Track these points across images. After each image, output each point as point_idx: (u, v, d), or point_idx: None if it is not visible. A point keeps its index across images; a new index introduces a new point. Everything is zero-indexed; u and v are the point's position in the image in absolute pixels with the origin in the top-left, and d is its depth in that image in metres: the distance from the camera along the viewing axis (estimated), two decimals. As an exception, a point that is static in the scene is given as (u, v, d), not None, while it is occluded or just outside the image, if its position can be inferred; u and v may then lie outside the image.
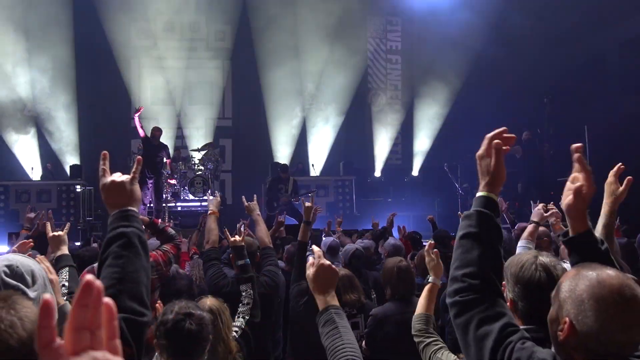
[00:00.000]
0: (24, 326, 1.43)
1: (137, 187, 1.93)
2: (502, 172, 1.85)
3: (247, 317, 3.67)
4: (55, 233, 3.76)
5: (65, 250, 3.62)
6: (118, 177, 1.91)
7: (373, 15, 17.45)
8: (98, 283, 0.82)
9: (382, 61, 18.13)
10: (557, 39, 15.22)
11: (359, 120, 17.70)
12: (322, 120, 17.15)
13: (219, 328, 3.01)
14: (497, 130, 1.87)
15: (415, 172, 17.49)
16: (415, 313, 3.05)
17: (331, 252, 6.46)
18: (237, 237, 4.33)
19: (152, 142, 12.55)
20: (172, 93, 16.83)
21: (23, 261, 2.12)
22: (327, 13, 16.09)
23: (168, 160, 13.31)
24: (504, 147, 1.85)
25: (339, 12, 16.13)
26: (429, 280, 3.12)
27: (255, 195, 5.30)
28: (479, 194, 1.87)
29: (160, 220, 5.48)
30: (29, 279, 2.06)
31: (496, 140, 1.85)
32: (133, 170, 1.95)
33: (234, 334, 3.38)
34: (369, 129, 17.72)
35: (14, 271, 2.12)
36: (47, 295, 0.81)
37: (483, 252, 1.75)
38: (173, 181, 13.77)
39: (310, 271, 2.23)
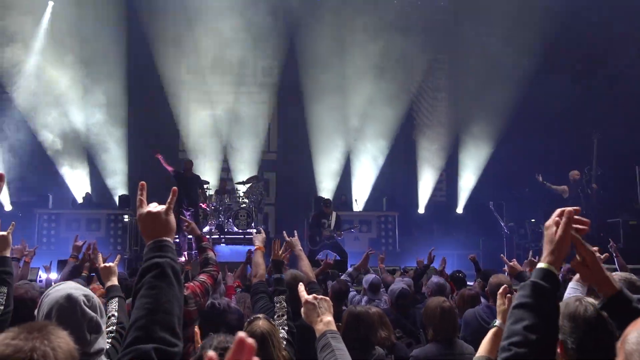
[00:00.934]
0: (56, 356, 1.46)
1: (172, 218, 1.95)
2: (566, 244, 1.82)
3: (286, 328, 3.66)
4: (107, 264, 3.83)
5: (115, 281, 3.69)
6: (154, 207, 1.94)
7: (419, 52, 17.51)
8: (250, 341, 0.92)
9: (428, 98, 18.12)
10: (606, 76, 15.01)
11: (404, 156, 17.57)
12: (366, 155, 17.14)
13: (270, 351, 3.02)
14: (570, 208, 1.87)
15: (459, 209, 17.29)
16: (477, 355, 3.00)
17: (373, 289, 6.46)
18: (280, 252, 4.42)
19: (185, 174, 12.82)
20: (219, 126, 17.12)
21: (90, 291, 2.25)
22: (373, 50, 16.22)
23: (200, 190, 13.60)
24: (574, 225, 1.84)
25: (385, 49, 16.21)
26: (495, 324, 3.06)
27: (295, 231, 5.38)
28: (539, 265, 1.83)
29: (207, 238, 5.62)
30: (100, 310, 2.17)
31: (569, 215, 1.83)
32: (168, 201, 1.97)
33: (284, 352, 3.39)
34: (413, 165, 17.59)
35: (90, 301, 2.27)
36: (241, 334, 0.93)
37: (534, 323, 1.70)
38: (204, 206, 14.02)
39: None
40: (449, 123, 17.83)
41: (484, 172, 17.15)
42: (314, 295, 2.60)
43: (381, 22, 16.16)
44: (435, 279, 6.46)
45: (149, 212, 1.94)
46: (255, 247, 4.93)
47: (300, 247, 5.10)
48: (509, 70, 15.42)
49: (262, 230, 5.40)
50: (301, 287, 2.40)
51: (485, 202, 14.81)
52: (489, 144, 17.12)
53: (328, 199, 13.92)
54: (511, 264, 5.56)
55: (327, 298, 2.59)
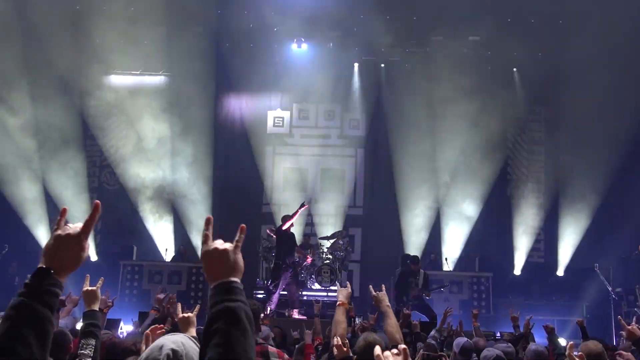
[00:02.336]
0: None
1: (240, 257, 1.87)
2: None
3: None
4: (185, 314, 3.81)
5: (193, 332, 3.66)
6: (221, 244, 1.87)
7: (514, 104, 17.18)
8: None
9: (524, 152, 17.65)
10: None
11: (498, 213, 17.12)
12: (457, 212, 16.80)
13: None
14: None
15: (560, 271, 16.52)
16: None
17: (464, 354, 6.10)
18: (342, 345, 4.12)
19: (287, 231, 12.81)
20: (304, 180, 17.31)
21: (190, 349, 2.19)
22: (463, 102, 16.06)
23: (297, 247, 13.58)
24: None
25: (476, 101, 16.03)
26: None
27: (383, 285, 5.17)
28: None
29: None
30: None
31: None
32: (236, 238, 1.89)
33: None
34: (509, 223, 17.05)
35: (177, 357, 2.20)
36: None
37: None
38: (309, 259, 13.97)
39: None
40: (547, 179, 17.30)
41: (588, 231, 16.38)
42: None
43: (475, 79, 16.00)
44: (533, 346, 6.05)
45: (216, 249, 1.85)
46: (339, 302, 4.75)
47: (388, 304, 4.85)
48: (615, 121, 14.82)
49: (349, 285, 5.20)
50: (377, 350, 2.19)
51: (590, 264, 14.05)
52: (592, 201, 16.36)
53: (416, 256, 13.64)
54: (630, 327, 5.23)
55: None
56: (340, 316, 4.59)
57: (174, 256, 15.95)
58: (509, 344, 6.27)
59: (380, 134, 17.13)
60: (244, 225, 1.91)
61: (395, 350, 2.20)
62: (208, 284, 1.85)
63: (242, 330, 1.71)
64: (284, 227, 12.57)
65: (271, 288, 12.43)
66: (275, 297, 12.30)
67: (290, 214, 12.85)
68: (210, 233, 1.90)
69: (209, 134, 16.79)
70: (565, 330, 11.69)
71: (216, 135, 16.96)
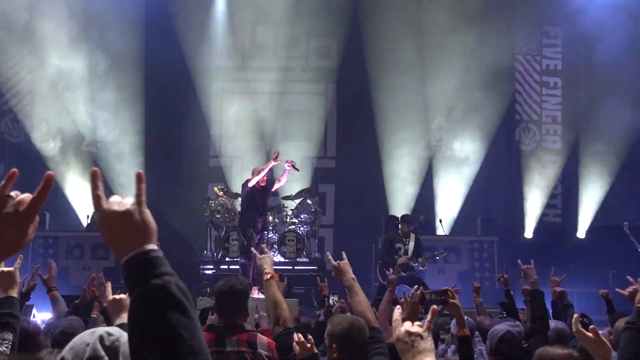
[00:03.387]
0: None
1: (148, 215, 1.77)
2: None
3: None
4: (117, 296, 3.80)
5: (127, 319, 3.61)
6: (118, 203, 1.76)
7: (523, 25, 17.14)
8: None
9: (536, 85, 17.69)
10: None
11: (504, 163, 17.37)
12: (453, 162, 16.92)
13: None
14: None
15: (581, 233, 16.84)
16: None
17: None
18: (304, 343, 4.09)
19: (258, 187, 12.69)
20: (261, 125, 17.19)
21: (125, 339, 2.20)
22: (461, 22, 15.97)
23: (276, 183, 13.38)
24: None
25: (476, 20, 15.99)
26: None
27: (344, 253, 5.04)
28: None
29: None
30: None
31: None
32: (136, 192, 1.77)
33: None
34: (517, 175, 17.24)
35: (113, 343, 2.25)
36: None
37: None
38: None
39: None
40: (565, 118, 17.47)
41: (615, 183, 16.66)
42: (407, 329, 2.46)
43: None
44: (553, 323, 6.09)
45: (114, 213, 1.75)
46: (266, 274, 4.63)
47: (353, 276, 4.75)
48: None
49: (265, 248, 5.21)
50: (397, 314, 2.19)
51: (618, 222, 14.23)
52: (620, 145, 16.56)
53: (407, 215, 13.63)
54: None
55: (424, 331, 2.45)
56: (276, 294, 4.47)
57: (92, 222, 15.68)
58: (517, 322, 6.31)
59: (356, 64, 17.02)
60: (140, 171, 1.80)
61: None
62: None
63: (181, 310, 1.65)
64: (250, 184, 12.48)
65: (243, 261, 12.41)
66: (250, 273, 12.28)
67: (260, 168, 12.73)
68: (101, 192, 1.77)
69: (138, 68, 16.55)
70: (588, 305, 11.87)
71: (147, 70, 16.71)
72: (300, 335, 4.20)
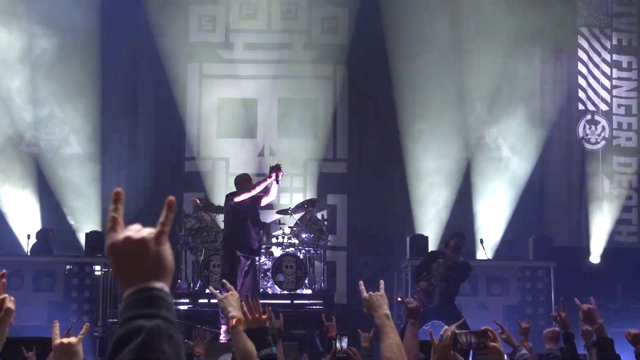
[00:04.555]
0: None
1: (167, 249, 1.88)
2: None
3: None
4: (65, 340, 3.83)
5: None
6: (136, 231, 1.88)
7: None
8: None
9: (605, 66, 17.67)
10: None
11: (563, 166, 17.34)
12: (497, 165, 16.94)
13: None
14: None
15: (665, 257, 16.72)
16: None
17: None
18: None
19: (246, 200, 12.69)
20: (252, 119, 17.23)
21: None
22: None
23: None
24: None
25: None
26: None
27: (382, 282, 5.00)
28: None
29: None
30: None
31: None
32: (161, 220, 1.89)
33: None
34: (581, 181, 17.23)
35: None
36: None
37: None
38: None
39: None
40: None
41: None
42: None
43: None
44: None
45: (128, 239, 1.87)
46: (232, 320, 4.62)
47: (387, 312, 4.71)
48: None
49: (227, 284, 5.21)
50: None
51: None
52: None
53: (460, 233, 13.33)
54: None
55: None
56: (245, 343, 4.45)
57: (34, 244, 15.67)
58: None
59: (372, 40, 17.13)
60: (172, 197, 1.92)
61: None
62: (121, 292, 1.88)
63: None
64: (237, 199, 12.41)
65: (221, 317, 12.24)
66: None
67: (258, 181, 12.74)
68: (120, 215, 1.90)
69: (93, 49, 16.63)
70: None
71: (104, 52, 16.82)
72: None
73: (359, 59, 17.42)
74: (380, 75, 17.10)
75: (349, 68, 17.50)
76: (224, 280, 5.31)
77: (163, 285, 1.84)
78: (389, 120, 16.99)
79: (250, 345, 4.47)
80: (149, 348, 1.74)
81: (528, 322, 8.41)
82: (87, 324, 4.87)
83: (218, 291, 5.35)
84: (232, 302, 4.66)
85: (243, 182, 12.55)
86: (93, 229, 15.90)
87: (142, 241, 1.86)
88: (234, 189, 12.76)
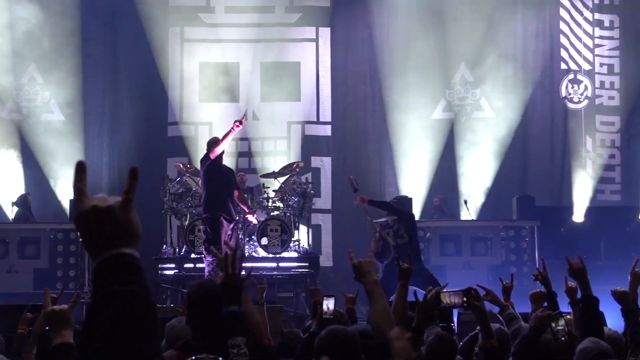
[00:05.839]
0: None
1: (134, 216, 1.92)
2: None
3: None
4: (57, 307, 3.80)
5: (68, 337, 3.69)
6: (102, 200, 1.91)
7: None
8: None
9: (587, 24, 17.67)
10: None
11: (546, 126, 17.39)
12: (481, 126, 17.00)
13: None
14: None
15: (645, 215, 16.85)
16: None
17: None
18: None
19: (221, 161, 12.65)
20: (234, 83, 17.19)
21: None
22: None
23: (236, 193, 13.45)
24: None
25: None
26: None
27: (371, 249, 5.09)
28: None
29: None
30: None
31: None
32: (125, 189, 1.91)
33: None
34: (564, 141, 17.29)
35: None
36: None
37: None
38: (253, 218, 13.87)
39: None
40: (625, 67, 17.52)
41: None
42: None
43: None
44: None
45: (95, 208, 1.90)
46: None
47: (376, 278, 4.79)
48: None
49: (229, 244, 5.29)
50: None
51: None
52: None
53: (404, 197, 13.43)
54: None
55: None
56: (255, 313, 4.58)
57: (17, 212, 15.65)
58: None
59: (355, 3, 17.17)
60: (135, 166, 1.93)
61: None
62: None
63: (136, 330, 1.78)
64: (213, 155, 12.39)
65: (210, 259, 12.26)
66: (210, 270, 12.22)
67: (221, 136, 12.66)
68: (84, 185, 1.92)
69: (73, 11, 16.52)
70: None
71: (85, 16, 16.71)
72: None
73: (342, 21, 17.36)
74: (363, 38, 17.07)
75: (332, 30, 17.43)
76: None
77: (133, 251, 1.88)
78: (373, 83, 16.99)
79: (249, 306, 4.60)
80: (126, 312, 1.78)
81: (511, 282, 8.51)
82: (77, 291, 4.90)
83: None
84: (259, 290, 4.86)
85: (212, 145, 12.50)
86: (77, 196, 15.91)
87: (110, 209, 1.89)
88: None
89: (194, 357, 4.00)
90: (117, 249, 1.86)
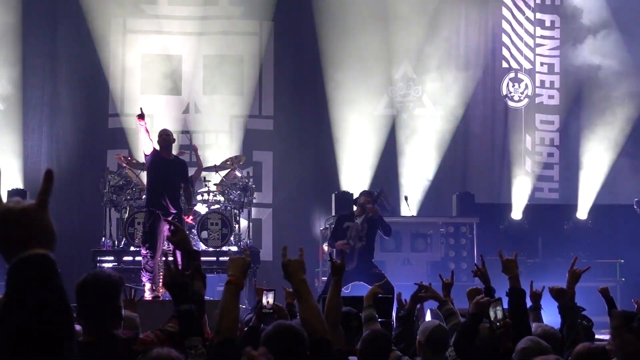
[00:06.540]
0: None
1: (47, 217, 1.92)
2: None
3: None
4: None
5: None
6: (16, 202, 1.92)
7: None
8: None
9: (527, 23, 17.85)
10: None
11: (487, 124, 17.53)
12: (422, 123, 17.06)
13: None
14: None
15: (582, 213, 17.03)
16: None
17: (434, 345, 6.25)
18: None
19: (163, 154, 12.54)
20: (176, 75, 17.10)
21: None
22: None
23: (184, 186, 13.35)
24: None
25: None
26: None
27: (301, 249, 5.09)
28: None
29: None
30: None
31: None
32: (40, 190, 1.91)
33: None
34: (502, 138, 17.45)
35: None
36: None
37: None
38: (189, 219, 13.82)
39: None
40: (564, 66, 17.66)
41: (625, 151, 16.99)
42: None
43: None
44: (536, 326, 6.30)
45: (9, 210, 1.90)
46: (230, 276, 4.70)
47: (304, 277, 4.80)
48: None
49: (247, 249, 5.22)
50: None
51: (629, 200, 14.52)
52: (634, 105, 16.78)
53: (369, 192, 13.42)
54: None
55: None
56: (230, 300, 4.52)
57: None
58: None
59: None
60: (50, 169, 1.93)
61: None
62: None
63: (46, 335, 1.78)
64: (147, 152, 12.34)
65: (145, 252, 12.19)
66: (152, 267, 12.12)
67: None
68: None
69: (14, 2, 16.32)
70: (589, 302, 12.10)
71: (26, 5, 16.52)
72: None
73: (285, 15, 17.35)
74: (306, 32, 17.08)
75: (275, 24, 17.40)
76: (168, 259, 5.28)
77: (47, 252, 1.87)
78: (315, 77, 17.00)
79: (231, 304, 4.54)
80: (36, 318, 1.79)
81: (451, 278, 8.60)
82: None
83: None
84: (236, 263, 4.74)
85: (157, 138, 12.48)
86: (16, 186, 15.73)
87: (23, 210, 1.89)
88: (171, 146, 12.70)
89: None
90: (31, 250, 1.85)
